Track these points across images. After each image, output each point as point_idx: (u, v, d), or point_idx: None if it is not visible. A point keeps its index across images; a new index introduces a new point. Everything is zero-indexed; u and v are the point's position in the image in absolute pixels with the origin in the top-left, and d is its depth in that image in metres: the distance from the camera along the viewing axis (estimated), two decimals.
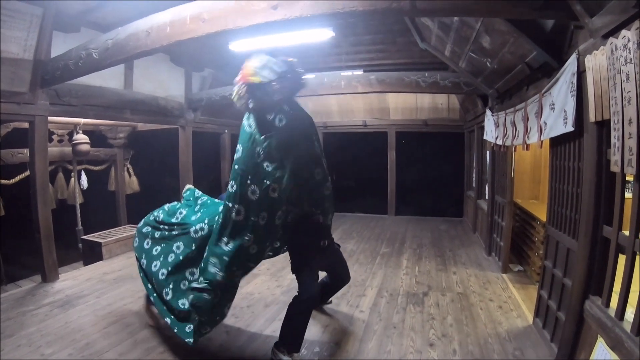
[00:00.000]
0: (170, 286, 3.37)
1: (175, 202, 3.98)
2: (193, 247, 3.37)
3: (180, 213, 3.72)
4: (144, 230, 3.87)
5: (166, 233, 3.64)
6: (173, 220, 3.67)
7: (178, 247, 3.46)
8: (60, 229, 5.77)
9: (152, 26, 3.90)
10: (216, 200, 3.88)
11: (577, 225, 3.02)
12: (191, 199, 3.96)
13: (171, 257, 3.48)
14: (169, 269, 3.42)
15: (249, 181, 2.97)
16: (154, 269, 3.56)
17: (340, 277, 4.03)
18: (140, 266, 3.85)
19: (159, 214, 3.85)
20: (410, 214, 10.46)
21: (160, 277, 3.46)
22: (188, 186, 4.22)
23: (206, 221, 3.41)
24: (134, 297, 4.69)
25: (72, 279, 5.41)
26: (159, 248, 3.66)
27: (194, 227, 3.43)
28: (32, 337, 3.68)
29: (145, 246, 3.79)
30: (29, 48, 4.90)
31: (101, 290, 4.95)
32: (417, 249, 6.93)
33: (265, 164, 2.97)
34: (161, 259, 3.56)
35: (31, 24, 4.80)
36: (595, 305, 2.62)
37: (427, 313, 4.22)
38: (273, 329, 3.85)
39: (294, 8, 3.20)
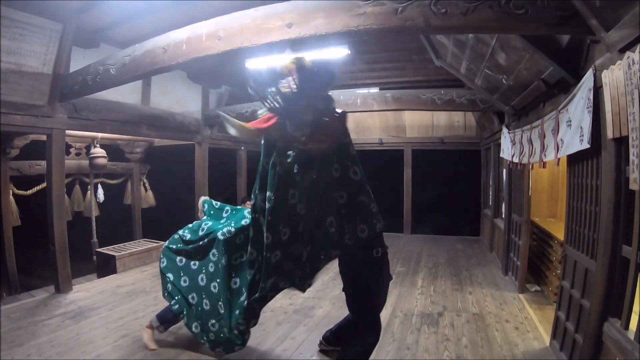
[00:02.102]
0: (222, 299, 3.23)
1: (198, 221, 3.85)
2: (224, 252, 3.25)
3: (206, 224, 3.62)
4: (173, 247, 3.67)
5: (197, 246, 3.53)
6: (200, 234, 3.56)
7: (214, 255, 3.36)
8: (75, 241, 5.84)
9: (168, 43, 3.97)
10: (238, 207, 3.77)
11: (595, 244, 2.94)
12: (212, 212, 3.82)
13: (211, 266, 3.37)
14: (218, 280, 3.27)
15: None
16: (202, 283, 3.42)
17: None
18: (172, 286, 3.58)
19: (185, 233, 3.66)
20: (426, 233, 10.34)
21: (213, 290, 3.30)
22: (203, 198, 4.02)
23: (232, 224, 3.33)
24: (145, 312, 4.68)
25: (85, 291, 5.44)
26: (196, 262, 3.54)
27: (221, 231, 3.33)
28: (43, 347, 3.68)
29: (179, 263, 3.61)
30: (48, 62, 5.02)
31: (113, 303, 4.95)
32: (432, 268, 6.83)
33: None
34: (204, 270, 3.44)
35: (51, 39, 4.93)
36: (614, 328, 2.54)
37: (441, 334, 4.12)
38: (284, 347, 3.81)
39: (308, 26, 3.24)
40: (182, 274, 3.57)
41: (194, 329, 3.44)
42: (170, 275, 3.60)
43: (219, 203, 3.87)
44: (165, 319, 3.71)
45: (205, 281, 3.41)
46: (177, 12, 4.96)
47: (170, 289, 3.59)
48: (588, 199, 3.15)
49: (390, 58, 7.76)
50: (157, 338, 3.76)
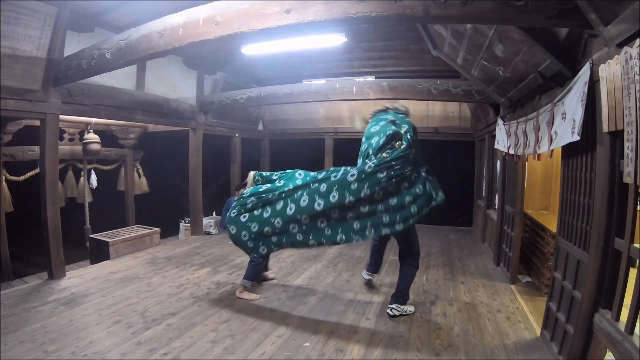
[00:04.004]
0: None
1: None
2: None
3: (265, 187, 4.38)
4: (243, 212, 4.28)
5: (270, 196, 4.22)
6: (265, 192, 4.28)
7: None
8: (68, 227, 5.81)
9: (165, 28, 3.92)
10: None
11: (588, 236, 2.97)
12: (261, 180, 4.57)
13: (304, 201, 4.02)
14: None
15: None
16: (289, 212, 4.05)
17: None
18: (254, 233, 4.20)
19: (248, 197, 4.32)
20: (419, 222, 10.32)
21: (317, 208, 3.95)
22: (253, 172, 4.66)
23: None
24: (139, 298, 4.69)
25: (78, 277, 5.43)
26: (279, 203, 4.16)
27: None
28: (36, 334, 3.68)
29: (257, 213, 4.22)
30: (43, 46, 4.94)
31: (106, 290, 4.95)
32: (425, 258, 6.86)
33: None
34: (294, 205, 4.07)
35: (45, 23, 4.84)
36: (605, 319, 2.58)
37: (434, 322, 4.18)
38: (279, 333, 3.83)
39: (307, 12, 3.20)
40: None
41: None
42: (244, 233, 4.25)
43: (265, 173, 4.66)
44: (251, 275, 4.89)
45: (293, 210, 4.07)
46: None
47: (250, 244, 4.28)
48: (582, 191, 3.18)
49: (387, 47, 7.72)
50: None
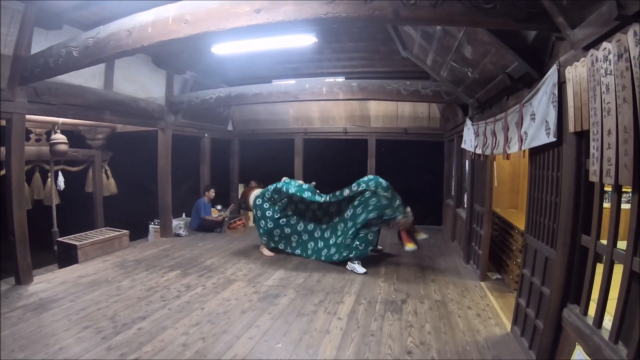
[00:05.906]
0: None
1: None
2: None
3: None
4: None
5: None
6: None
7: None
8: (35, 230, 5.62)
9: (134, 26, 3.84)
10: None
11: (555, 234, 3.05)
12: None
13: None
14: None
15: None
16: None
17: None
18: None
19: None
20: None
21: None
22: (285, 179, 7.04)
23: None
24: (108, 302, 4.59)
25: (47, 282, 5.27)
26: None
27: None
28: (5, 341, 3.56)
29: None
30: (9, 43, 4.78)
31: (75, 294, 4.82)
32: (395, 257, 6.94)
33: None
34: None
35: (12, 19, 4.68)
36: (574, 313, 2.65)
37: (405, 321, 4.21)
38: (250, 335, 3.81)
39: (277, 12, 3.19)
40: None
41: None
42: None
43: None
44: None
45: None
46: None
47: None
48: (549, 190, 3.26)
49: (357, 48, 7.76)
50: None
